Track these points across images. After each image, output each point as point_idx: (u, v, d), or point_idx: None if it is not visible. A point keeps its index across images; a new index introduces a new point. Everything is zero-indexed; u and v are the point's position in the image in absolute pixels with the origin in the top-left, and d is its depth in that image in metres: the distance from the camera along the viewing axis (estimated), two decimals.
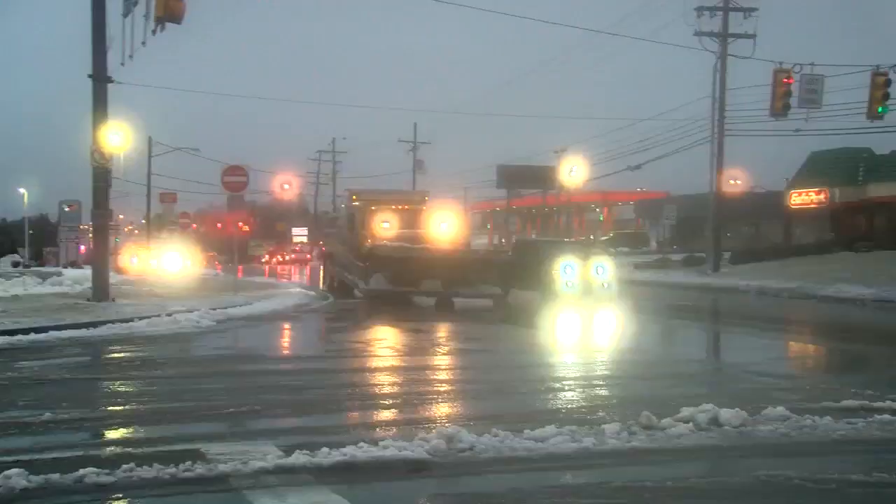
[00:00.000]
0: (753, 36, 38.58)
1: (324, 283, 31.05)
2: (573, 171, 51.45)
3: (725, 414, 7.93)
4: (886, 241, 41.46)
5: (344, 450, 6.71)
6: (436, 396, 10.01)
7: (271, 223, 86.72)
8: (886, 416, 8.29)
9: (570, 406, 9.49)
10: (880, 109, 32.24)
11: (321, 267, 33.55)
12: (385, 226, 25.76)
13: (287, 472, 6.33)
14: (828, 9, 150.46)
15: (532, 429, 7.42)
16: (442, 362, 13.48)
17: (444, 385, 11.03)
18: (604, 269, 22.15)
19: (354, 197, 28.48)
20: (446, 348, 15.10)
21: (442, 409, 9.19)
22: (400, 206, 27.53)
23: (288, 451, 6.74)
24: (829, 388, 10.19)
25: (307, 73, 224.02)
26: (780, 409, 8.21)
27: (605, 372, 12.36)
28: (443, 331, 17.80)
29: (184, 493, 5.96)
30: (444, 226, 26.13)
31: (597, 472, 6.55)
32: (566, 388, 10.88)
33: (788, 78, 33.53)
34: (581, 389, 10.65)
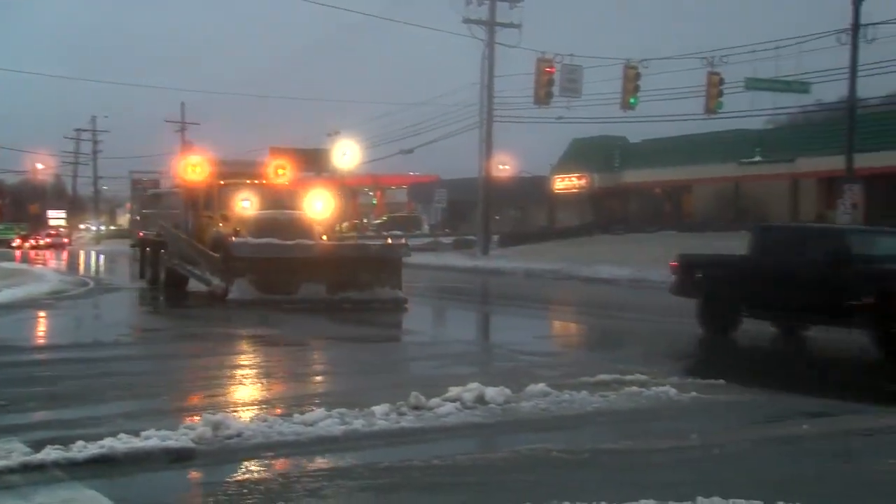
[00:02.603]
0: (519, 26, 40.06)
1: (143, 275, 25.59)
2: (346, 155, 51.49)
3: (491, 392, 8.21)
4: (639, 224, 44.71)
5: (102, 442, 6.38)
6: (204, 384, 9.70)
7: (23, 205, 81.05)
8: (634, 388, 8.95)
9: (341, 389, 9.49)
10: (632, 101, 34.59)
11: (140, 256, 26.79)
12: (245, 205, 21.10)
13: (36, 469, 5.91)
14: (588, 3, 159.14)
15: (302, 413, 7.36)
16: (212, 349, 13.08)
17: (214, 371, 10.69)
18: None
19: (194, 167, 22.39)
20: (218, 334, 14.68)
21: (210, 397, 8.91)
22: (256, 180, 22.62)
23: (37, 447, 6.30)
24: (587, 364, 10.79)
25: (65, 50, 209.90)
26: (542, 386, 8.61)
27: (380, 356, 12.46)
28: (215, 317, 17.29)
29: None
30: (318, 205, 22.17)
31: (366, 454, 6.58)
32: (339, 372, 10.89)
33: (550, 67, 35.20)
34: (353, 374, 10.68)
